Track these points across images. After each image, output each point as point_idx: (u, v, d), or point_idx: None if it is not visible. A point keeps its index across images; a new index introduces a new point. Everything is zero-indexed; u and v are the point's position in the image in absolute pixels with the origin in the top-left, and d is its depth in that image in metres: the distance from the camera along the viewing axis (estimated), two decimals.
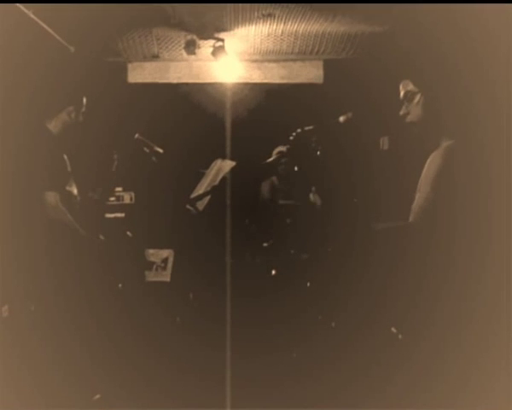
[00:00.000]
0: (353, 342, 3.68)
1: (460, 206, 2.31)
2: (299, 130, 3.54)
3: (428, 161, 2.51)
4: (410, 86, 2.63)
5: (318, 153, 3.58)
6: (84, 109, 3.67)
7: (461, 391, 2.15)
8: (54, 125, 3.57)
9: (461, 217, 2.30)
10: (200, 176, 4.48)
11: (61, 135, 3.58)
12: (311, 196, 4.45)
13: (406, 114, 2.64)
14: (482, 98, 2.49)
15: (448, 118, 2.52)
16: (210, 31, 4.71)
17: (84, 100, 3.68)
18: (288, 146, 4.95)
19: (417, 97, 2.58)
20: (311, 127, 3.51)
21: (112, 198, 4.35)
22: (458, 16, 3.64)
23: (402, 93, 2.66)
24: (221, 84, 5.49)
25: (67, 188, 3.55)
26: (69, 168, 3.60)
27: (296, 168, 3.89)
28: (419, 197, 2.50)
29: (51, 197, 3.38)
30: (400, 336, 2.90)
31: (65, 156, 3.56)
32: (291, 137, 3.60)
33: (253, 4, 4.15)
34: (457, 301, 2.24)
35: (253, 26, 4.61)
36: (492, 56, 2.78)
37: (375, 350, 3.41)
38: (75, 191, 3.68)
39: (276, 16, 4.37)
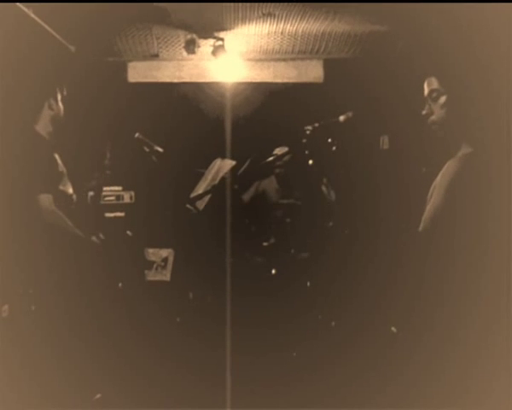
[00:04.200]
0: (353, 341, 3.68)
1: (461, 207, 2.30)
2: (316, 124, 3.50)
3: (443, 170, 2.42)
4: (435, 85, 2.43)
5: (334, 148, 3.55)
6: (60, 98, 3.61)
7: (461, 391, 2.15)
8: (40, 126, 3.52)
9: (461, 218, 2.29)
10: (199, 175, 4.48)
11: (49, 132, 3.54)
12: (324, 188, 4.29)
13: (429, 114, 2.44)
14: (484, 100, 2.46)
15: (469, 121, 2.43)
16: (210, 30, 4.71)
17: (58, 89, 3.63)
18: (287, 149, 4.97)
19: (443, 98, 2.39)
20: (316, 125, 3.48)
21: (108, 195, 4.33)
22: (461, 16, 3.63)
23: (426, 91, 2.46)
24: (221, 84, 5.49)
25: (61, 187, 3.52)
26: (61, 168, 3.57)
27: (311, 162, 3.82)
28: (430, 207, 2.36)
29: (44, 200, 3.35)
30: (400, 335, 2.90)
31: (56, 156, 3.53)
32: (307, 131, 3.55)
33: (253, 3, 4.15)
34: (457, 300, 2.24)
35: (253, 25, 4.61)
36: (493, 57, 2.77)
37: (375, 350, 3.42)
38: (70, 190, 3.66)
39: (277, 15, 4.37)
